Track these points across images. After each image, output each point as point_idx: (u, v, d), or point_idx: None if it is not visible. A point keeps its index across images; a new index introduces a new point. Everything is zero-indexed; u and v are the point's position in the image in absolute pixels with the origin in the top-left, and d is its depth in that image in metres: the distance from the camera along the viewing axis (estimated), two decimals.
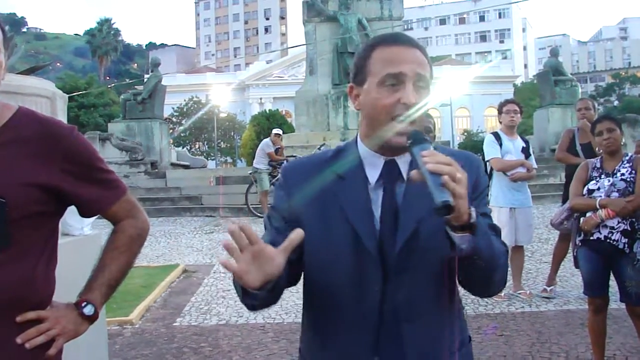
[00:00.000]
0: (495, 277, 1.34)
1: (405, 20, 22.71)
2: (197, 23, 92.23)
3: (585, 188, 3.71)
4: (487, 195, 1.61)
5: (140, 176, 16.10)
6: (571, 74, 23.69)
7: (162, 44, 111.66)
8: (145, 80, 20.00)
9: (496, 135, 5.67)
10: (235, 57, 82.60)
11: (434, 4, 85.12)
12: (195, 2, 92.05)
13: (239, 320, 5.23)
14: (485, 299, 5.48)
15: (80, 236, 3.13)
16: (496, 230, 1.38)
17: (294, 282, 1.42)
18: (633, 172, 3.59)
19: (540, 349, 4.20)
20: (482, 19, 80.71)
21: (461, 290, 1.42)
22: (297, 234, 1.21)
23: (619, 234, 3.52)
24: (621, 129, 3.76)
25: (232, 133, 41.79)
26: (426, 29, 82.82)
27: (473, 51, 80.00)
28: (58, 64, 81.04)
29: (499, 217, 5.57)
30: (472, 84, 46.83)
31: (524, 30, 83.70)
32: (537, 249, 7.76)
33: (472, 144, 24.99)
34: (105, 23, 72.42)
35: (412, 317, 1.33)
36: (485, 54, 76.95)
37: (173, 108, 41.12)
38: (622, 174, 3.61)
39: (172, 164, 18.80)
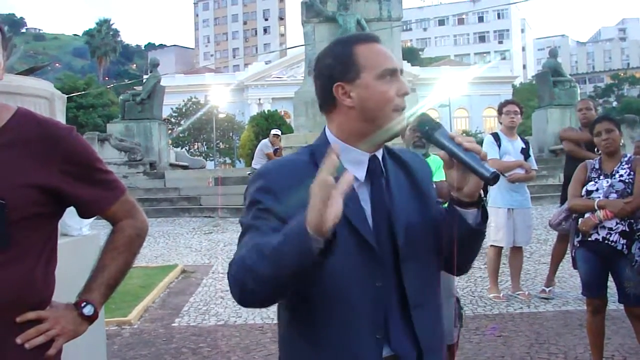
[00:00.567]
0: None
1: (404, 20, 22.71)
2: (196, 24, 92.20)
3: (584, 189, 3.71)
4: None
5: (139, 177, 16.09)
6: (570, 74, 23.68)
7: (161, 44, 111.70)
8: (144, 80, 19.97)
9: (495, 136, 5.67)
10: (234, 57, 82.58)
11: (432, 5, 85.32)
12: (194, 3, 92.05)
13: (238, 321, 5.24)
14: (484, 300, 5.49)
15: (79, 237, 3.13)
16: None
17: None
18: (632, 173, 3.59)
19: (538, 350, 4.20)
20: (481, 19, 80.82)
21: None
22: (350, 176, 1.13)
23: (617, 235, 3.52)
24: (620, 129, 3.76)
25: (231, 134, 41.76)
26: (425, 29, 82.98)
27: (472, 52, 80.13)
28: (57, 65, 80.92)
29: (497, 217, 5.57)
30: (470, 84, 46.90)
31: (522, 31, 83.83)
32: (536, 250, 7.77)
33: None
34: (104, 24, 72.39)
35: (418, 303, 1.39)
36: (484, 54, 77.12)
37: (172, 108, 41.11)
38: (621, 175, 3.61)
39: (171, 165, 18.80)
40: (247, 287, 1.22)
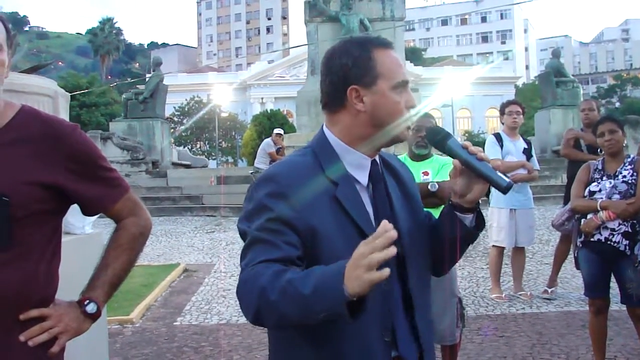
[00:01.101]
0: None
1: (407, 20, 22.71)
2: (198, 23, 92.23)
3: (587, 189, 3.70)
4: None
5: (141, 175, 16.11)
6: (573, 75, 23.66)
7: (164, 43, 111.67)
8: (146, 79, 20.00)
9: (497, 136, 5.66)
10: (237, 56, 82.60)
11: (435, 5, 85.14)
12: (197, 2, 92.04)
13: (240, 320, 5.23)
14: (486, 300, 5.49)
15: (82, 235, 3.13)
16: None
17: None
18: (635, 174, 3.58)
19: (540, 351, 4.20)
20: (483, 19, 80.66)
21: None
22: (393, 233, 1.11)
23: (619, 235, 3.52)
24: (623, 130, 3.75)
25: (234, 133, 41.76)
26: (428, 29, 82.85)
27: (475, 52, 79.99)
28: (60, 63, 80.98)
29: (499, 218, 5.57)
30: (473, 84, 46.77)
31: (525, 31, 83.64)
32: (538, 250, 7.76)
33: (474, 145, 24.90)
34: (107, 22, 72.32)
35: (420, 305, 1.43)
36: (487, 54, 76.94)
37: (174, 107, 41.13)
38: (624, 176, 3.60)
39: (173, 164, 18.81)
40: (263, 316, 1.23)
